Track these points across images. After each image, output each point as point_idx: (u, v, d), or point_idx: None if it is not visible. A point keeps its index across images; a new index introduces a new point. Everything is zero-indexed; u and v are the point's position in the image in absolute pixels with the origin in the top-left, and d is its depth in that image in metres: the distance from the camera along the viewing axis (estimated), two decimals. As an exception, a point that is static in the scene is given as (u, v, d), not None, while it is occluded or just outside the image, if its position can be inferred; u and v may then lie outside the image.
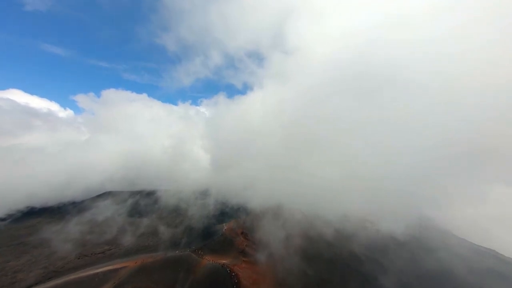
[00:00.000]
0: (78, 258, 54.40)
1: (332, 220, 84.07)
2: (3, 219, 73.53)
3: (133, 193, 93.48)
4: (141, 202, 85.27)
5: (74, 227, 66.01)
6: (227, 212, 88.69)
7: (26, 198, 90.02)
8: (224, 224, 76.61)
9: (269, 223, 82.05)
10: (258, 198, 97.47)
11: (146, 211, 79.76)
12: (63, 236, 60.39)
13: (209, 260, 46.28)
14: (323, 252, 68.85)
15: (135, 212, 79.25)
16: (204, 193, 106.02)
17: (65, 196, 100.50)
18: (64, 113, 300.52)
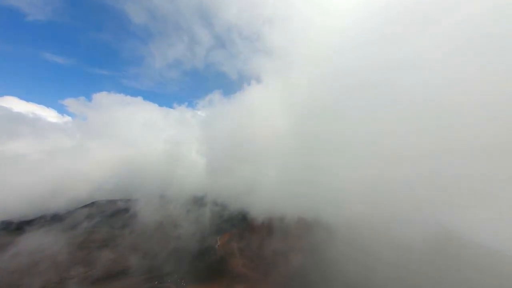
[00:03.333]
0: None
1: (340, 230, 74.63)
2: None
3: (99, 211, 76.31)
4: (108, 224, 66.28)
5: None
6: (224, 224, 79.54)
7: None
8: (218, 238, 67.60)
9: (271, 234, 72.98)
10: (259, 205, 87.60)
11: (115, 244, 58.62)
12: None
13: (193, 295, 37.38)
14: (331, 271, 59.77)
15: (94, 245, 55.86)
16: (199, 201, 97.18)
17: (47, 208, 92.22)
18: (61, 120, 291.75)
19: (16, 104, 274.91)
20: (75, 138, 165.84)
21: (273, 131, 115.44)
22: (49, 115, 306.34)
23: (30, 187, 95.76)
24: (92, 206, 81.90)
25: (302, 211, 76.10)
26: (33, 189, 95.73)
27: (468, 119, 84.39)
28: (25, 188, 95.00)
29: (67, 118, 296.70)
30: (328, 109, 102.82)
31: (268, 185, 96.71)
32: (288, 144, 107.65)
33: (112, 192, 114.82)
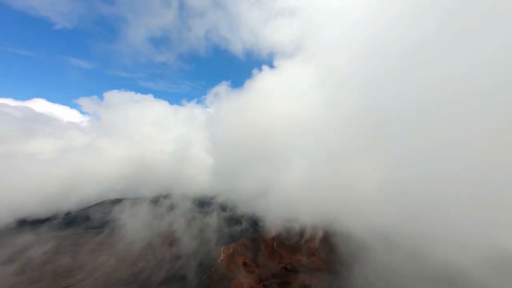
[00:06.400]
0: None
1: (373, 247, 59.98)
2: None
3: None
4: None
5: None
6: (231, 232, 69.21)
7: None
8: (221, 250, 57.38)
9: (286, 247, 61.15)
10: (274, 211, 75.52)
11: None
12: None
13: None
14: None
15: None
16: (206, 205, 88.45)
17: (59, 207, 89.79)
18: (80, 119, 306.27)
19: (40, 105, 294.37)
20: (89, 137, 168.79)
21: (292, 124, 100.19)
22: (70, 115, 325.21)
23: (39, 186, 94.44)
24: (54, 218, 69.85)
25: (326, 221, 62.60)
26: (42, 188, 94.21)
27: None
28: (35, 186, 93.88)
29: (88, 118, 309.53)
30: (365, 97, 77.33)
31: (285, 189, 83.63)
32: (310, 141, 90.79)
33: (121, 192, 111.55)
